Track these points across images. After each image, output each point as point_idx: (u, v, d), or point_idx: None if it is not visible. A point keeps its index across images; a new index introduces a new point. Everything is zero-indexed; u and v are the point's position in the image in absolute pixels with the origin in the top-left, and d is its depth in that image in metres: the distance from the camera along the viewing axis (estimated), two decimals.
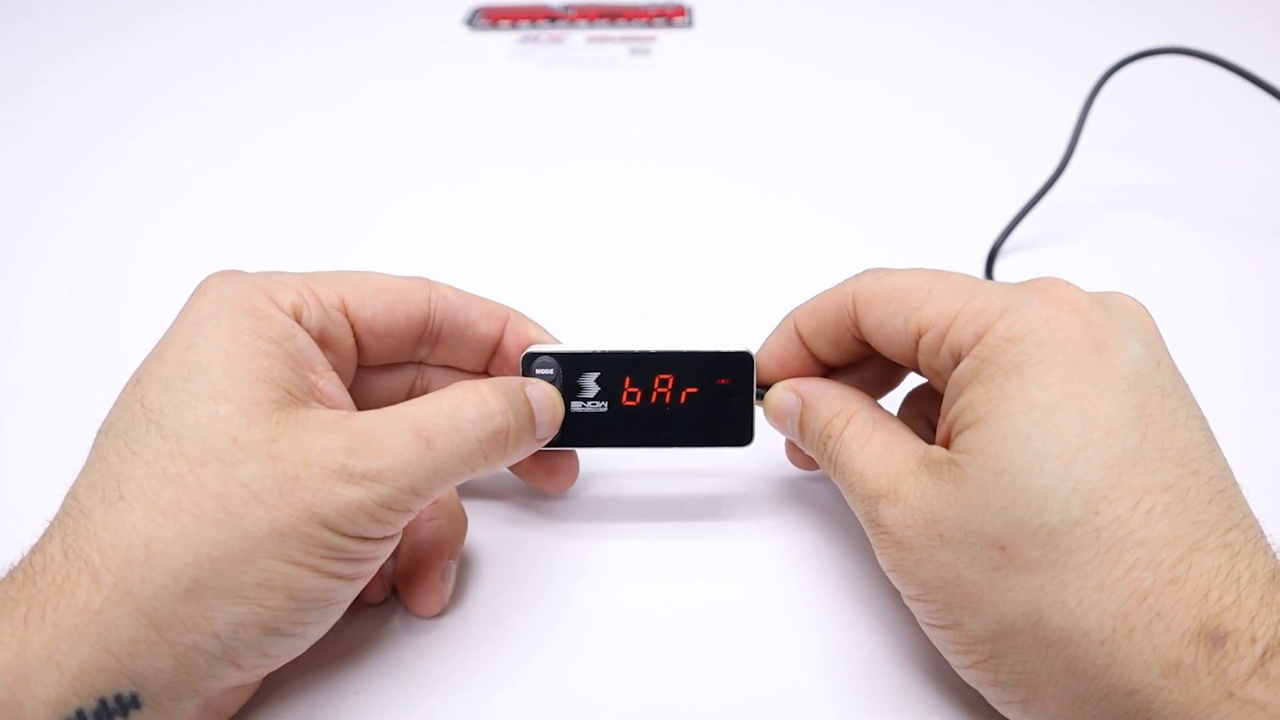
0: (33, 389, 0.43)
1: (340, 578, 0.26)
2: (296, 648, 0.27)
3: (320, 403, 0.28)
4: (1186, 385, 0.27)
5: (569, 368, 0.32)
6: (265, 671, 0.27)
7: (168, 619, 0.24)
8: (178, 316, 0.28)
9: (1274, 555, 0.24)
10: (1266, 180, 0.57)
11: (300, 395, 0.27)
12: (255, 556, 0.24)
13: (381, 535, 0.27)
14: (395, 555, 0.33)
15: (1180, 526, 0.24)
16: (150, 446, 0.25)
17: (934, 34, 0.77)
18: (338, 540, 0.25)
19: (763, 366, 0.33)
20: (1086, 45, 0.72)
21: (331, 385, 0.29)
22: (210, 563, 0.24)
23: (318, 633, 0.27)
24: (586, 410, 0.32)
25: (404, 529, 0.33)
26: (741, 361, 0.33)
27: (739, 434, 0.33)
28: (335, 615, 0.27)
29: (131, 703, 0.24)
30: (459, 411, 0.27)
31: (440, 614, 0.32)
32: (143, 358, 0.28)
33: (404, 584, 0.32)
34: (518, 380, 0.31)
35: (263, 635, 0.25)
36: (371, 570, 0.28)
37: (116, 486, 0.25)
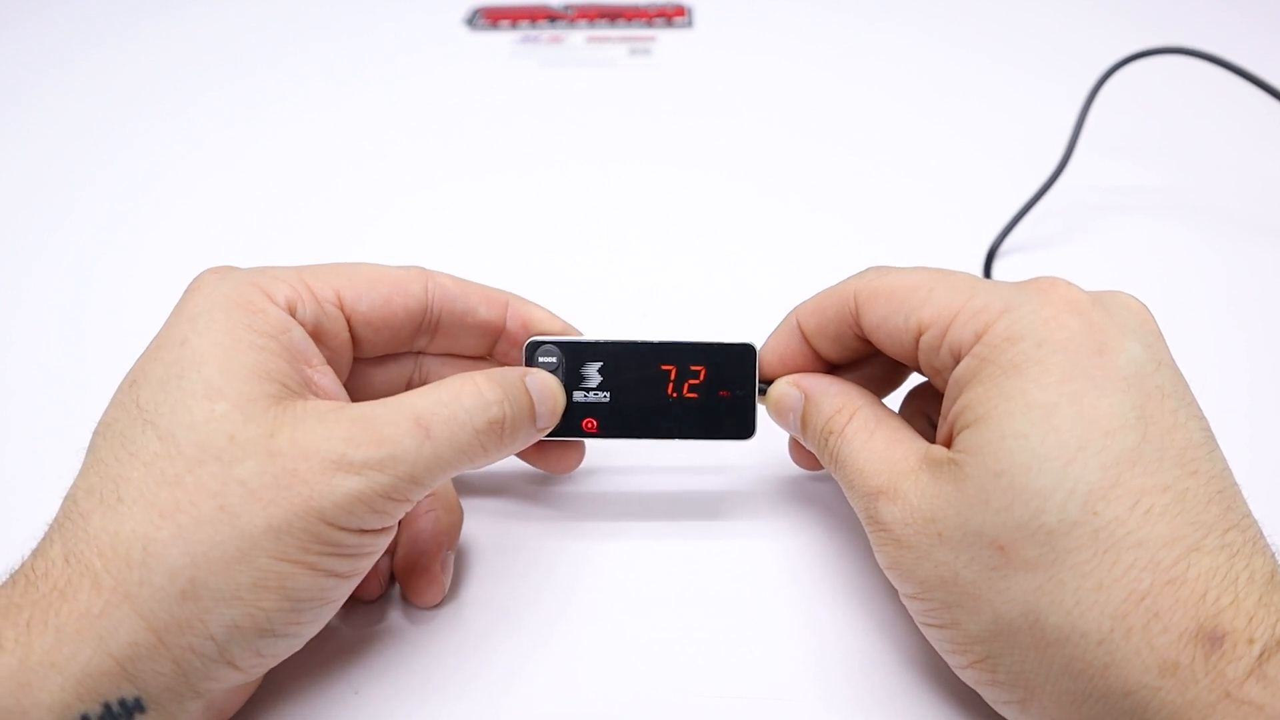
0: (33, 389, 0.43)
1: (335, 575, 0.26)
2: (292, 646, 0.27)
3: (315, 396, 0.28)
4: (1187, 385, 0.27)
5: (572, 357, 0.32)
6: (263, 670, 0.27)
7: (165, 622, 0.24)
8: (172, 313, 0.28)
9: (1272, 556, 0.24)
10: (1266, 180, 0.57)
11: (296, 389, 0.27)
12: (251, 556, 0.24)
13: (379, 527, 0.27)
14: (394, 548, 0.33)
15: (1179, 527, 0.24)
16: (147, 448, 0.25)
17: (934, 34, 0.77)
18: (335, 535, 0.25)
19: (765, 362, 0.33)
20: (1086, 45, 0.72)
21: (326, 379, 0.29)
22: (206, 563, 0.24)
23: (312, 631, 0.27)
24: (589, 400, 0.32)
25: (401, 522, 0.33)
26: (744, 353, 0.33)
27: (741, 427, 0.33)
28: (330, 614, 0.27)
29: (136, 706, 0.24)
30: (457, 401, 0.28)
31: (440, 604, 0.32)
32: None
33: (405, 576, 0.32)
34: (517, 370, 0.31)
35: (258, 637, 0.25)
36: (366, 567, 0.28)
37: (115, 489, 0.25)
